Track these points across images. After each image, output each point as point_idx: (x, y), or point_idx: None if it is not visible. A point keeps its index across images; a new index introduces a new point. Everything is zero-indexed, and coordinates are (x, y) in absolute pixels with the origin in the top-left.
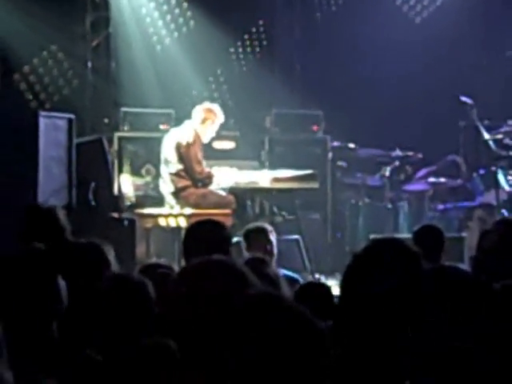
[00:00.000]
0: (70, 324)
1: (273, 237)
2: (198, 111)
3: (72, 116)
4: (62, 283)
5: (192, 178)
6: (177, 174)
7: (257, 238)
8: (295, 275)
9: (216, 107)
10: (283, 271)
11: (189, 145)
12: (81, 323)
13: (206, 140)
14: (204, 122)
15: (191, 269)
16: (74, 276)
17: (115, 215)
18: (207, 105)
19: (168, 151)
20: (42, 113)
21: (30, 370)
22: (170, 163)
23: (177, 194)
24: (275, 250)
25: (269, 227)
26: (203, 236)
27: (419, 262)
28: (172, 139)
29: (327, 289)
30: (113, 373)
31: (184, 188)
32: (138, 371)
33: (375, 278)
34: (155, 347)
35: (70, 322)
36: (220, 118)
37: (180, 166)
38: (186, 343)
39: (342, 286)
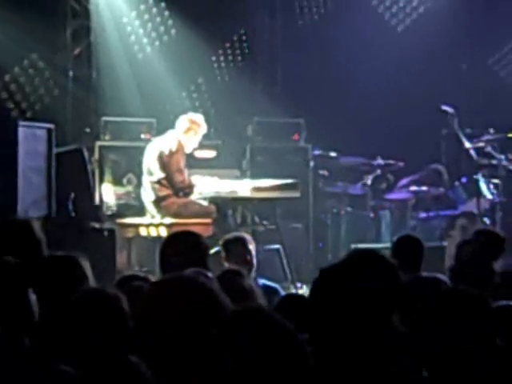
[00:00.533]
0: (44, 338)
1: (252, 246)
2: (182, 121)
3: (51, 126)
4: (32, 297)
5: (173, 186)
6: (158, 183)
7: (235, 247)
8: (275, 285)
9: (200, 118)
10: (263, 281)
11: (172, 153)
12: (54, 337)
13: (188, 150)
14: (187, 132)
15: (158, 287)
16: (49, 290)
17: (95, 225)
18: (191, 115)
19: (150, 160)
20: (21, 123)
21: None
22: (152, 172)
23: (158, 202)
24: (254, 260)
25: (248, 237)
26: (180, 247)
27: (396, 273)
28: (155, 148)
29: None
30: None
31: (165, 197)
32: None
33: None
34: (128, 364)
35: (44, 336)
36: (203, 128)
37: (162, 175)
38: (158, 359)
39: (314, 299)
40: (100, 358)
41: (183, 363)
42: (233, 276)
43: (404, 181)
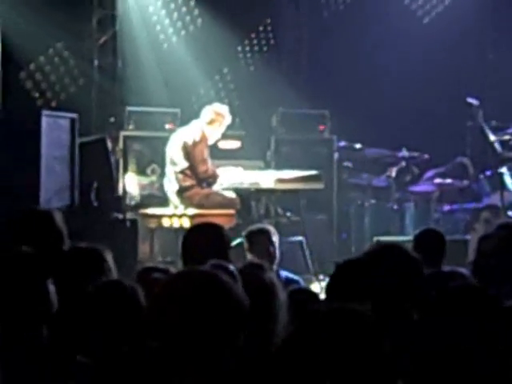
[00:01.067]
0: (63, 328)
1: (275, 239)
2: (207, 112)
3: (75, 115)
4: (51, 287)
5: (196, 177)
6: (182, 173)
7: (259, 239)
8: (296, 277)
9: (225, 109)
10: (285, 273)
11: (195, 143)
12: (73, 328)
13: (211, 141)
14: (212, 123)
15: (171, 281)
16: (71, 282)
17: (118, 216)
18: (217, 106)
19: (174, 150)
20: (45, 112)
21: (20, 373)
22: (175, 162)
23: (181, 192)
24: (277, 252)
25: (271, 229)
26: (202, 239)
27: (420, 267)
28: (179, 138)
29: (314, 295)
30: (103, 378)
31: (188, 187)
32: (129, 376)
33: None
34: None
35: (64, 326)
36: (228, 120)
37: (186, 164)
38: (174, 350)
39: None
40: (114, 350)
41: (193, 358)
42: (254, 270)
43: (430, 173)
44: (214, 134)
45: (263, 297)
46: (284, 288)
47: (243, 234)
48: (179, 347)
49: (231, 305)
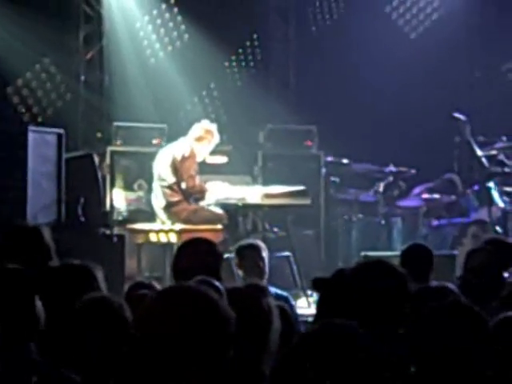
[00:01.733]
0: (52, 345)
1: (265, 254)
2: (196, 129)
3: (61, 131)
4: (38, 304)
5: (184, 192)
6: (170, 188)
7: (250, 254)
8: (284, 293)
9: (214, 128)
10: (273, 289)
11: (184, 159)
12: (62, 345)
13: (200, 158)
14: (200, 140)
15: (159, 297)
16: (59, 297)
17: (104, 231)
18: (206, 124)
19: (162, 166)
20: (31, 127)
21: None
22: (163, 177)
23: (168, 208)
24: (267, 268)
25: (262, 244)
26: (193, 254)
27: (405, 282)
28: (167, 154)
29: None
30: None
31: (176, 203)
32: None
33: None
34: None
35: (52, 343)
36: (216, 138)
37: (173, 180)
38: (160, 367)
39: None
40: (101, 366)
41: (181, 374)
42: (254, 293)
43: (417, 189)
44: (202, 151)
45: (258, 323)
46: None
47: (232, 248)
48: (166, 363)
49: (218, 320)
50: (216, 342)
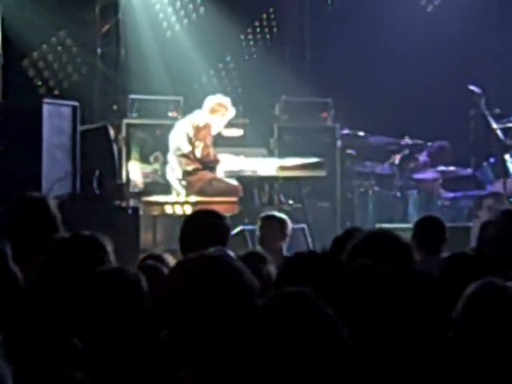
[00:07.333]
0: (58, 317)
1: (288, 230)
2: (210, 102)
3: (76, 103)
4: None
5: (199, 160)
6: (185, 156)
7: (272, 226)
8: None
9: (228, 101)
10: None
11: (199, 128)
12: (69, 317)
13: (214, 131)
14: (213, 112)
15: (183, 265)
16: (68, 267)
17: (119, 204)
18: (220, 98)
19: (178, 137)
20: (46, 100)
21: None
22: (179, 147)
23: (184, 177)
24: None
25: (288, 220)
26: (200, 227)
27: (410, 253)
28: (182, 125)
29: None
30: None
31: (192, 171)
32: (133, 367)
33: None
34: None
35: (59, 314)
36: (231, 112)
37: (189, 148)
38: (183, 338)
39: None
40: (119, 337)
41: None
42: (254, 261)
43: (423, 157)
44: (215, 124)
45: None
46: None
47: (248, 221)
48: (189, 333)
49: (244, 287)
50: (241, 308)
